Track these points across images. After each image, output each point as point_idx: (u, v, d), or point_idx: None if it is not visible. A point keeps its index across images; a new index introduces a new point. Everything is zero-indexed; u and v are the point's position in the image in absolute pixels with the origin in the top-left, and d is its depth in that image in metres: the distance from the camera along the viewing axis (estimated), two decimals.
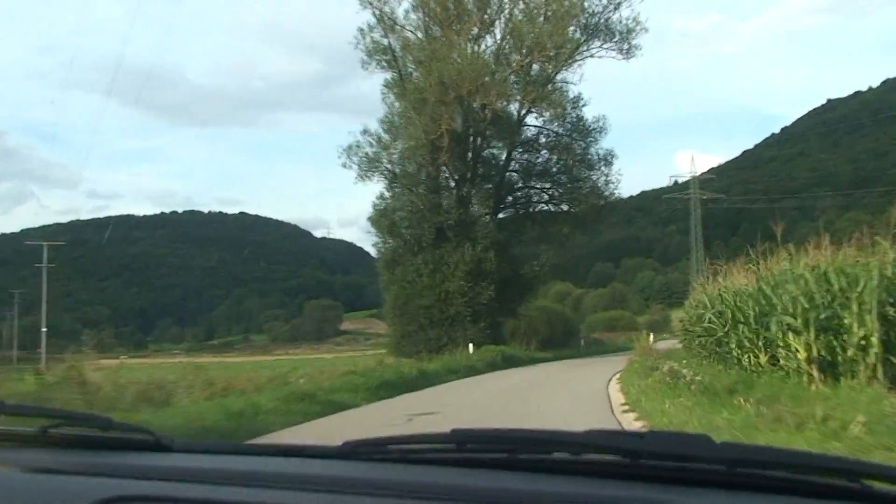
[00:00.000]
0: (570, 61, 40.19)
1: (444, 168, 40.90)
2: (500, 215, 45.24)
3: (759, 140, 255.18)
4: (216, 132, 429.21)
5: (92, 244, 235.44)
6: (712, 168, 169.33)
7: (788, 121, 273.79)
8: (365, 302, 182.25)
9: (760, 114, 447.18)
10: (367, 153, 40.28)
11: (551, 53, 38.06)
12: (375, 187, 49.22)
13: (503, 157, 44.13)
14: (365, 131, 40.37)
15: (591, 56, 40.90)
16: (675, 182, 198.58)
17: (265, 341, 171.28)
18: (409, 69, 39.91)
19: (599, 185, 44.41)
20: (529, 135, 44.51)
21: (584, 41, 40.19)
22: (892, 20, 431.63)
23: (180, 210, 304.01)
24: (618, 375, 23.80)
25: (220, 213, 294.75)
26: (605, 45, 40.64)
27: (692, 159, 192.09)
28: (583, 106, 43.45)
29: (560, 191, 45.42)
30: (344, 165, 40.13)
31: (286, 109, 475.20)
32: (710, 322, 19.70)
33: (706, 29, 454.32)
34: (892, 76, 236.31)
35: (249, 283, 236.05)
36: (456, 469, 1.82)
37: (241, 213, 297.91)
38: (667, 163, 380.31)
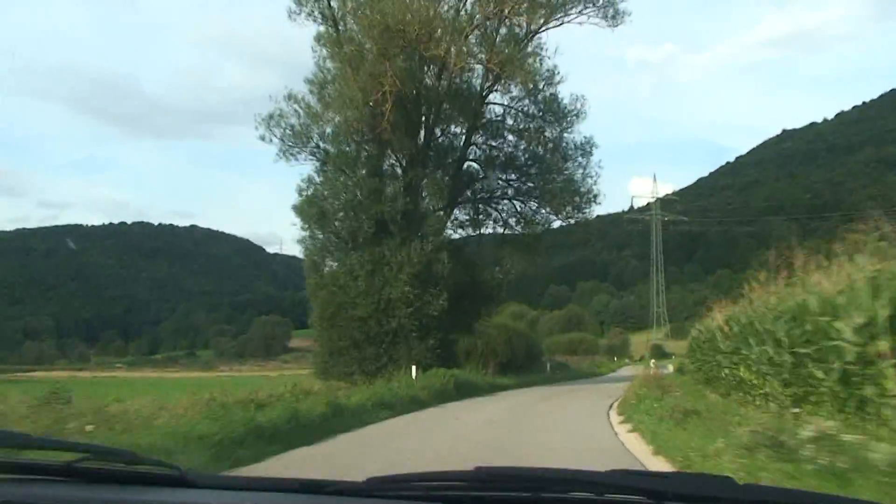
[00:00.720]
0: (546, 24, 32.01)
1: (388, 149, 32.30)
2: (457, 211, 36.75)
3: (713, 168, 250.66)
4: (172, 144, 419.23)
5: (38, 253, 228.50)
6: (667, 195, 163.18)
7: (743, 150, 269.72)
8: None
9: (715, 143, 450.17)
10: (292, 125, 31.50)
11: (523, 6, 29.82)
12: (303, 169, 39.11)
13: (461, 140, 35.53)
14: (290, 96, 31.49)
15: (570, 22, 32.77)
16: (632, 207, 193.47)
17: (211, 357, 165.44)
18: (348, 22, 31.17)
19: (576, 178, 36.07)
20: (494, 116, 36.06)
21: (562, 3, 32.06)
22: (845, 55, 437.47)
23: (130, 221, 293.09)
24: (616, 415, 18.70)
25: (171, 225, 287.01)
26: (586, 10, 32.57)
27: (654, 178, 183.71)
28: (558, 83, 35.15)
29: (529, 184, 36.92)
30: (262, 139, 31.33)
31: (242, 123, 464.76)
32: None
33: (662, 59, 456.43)
34: (846, 109, 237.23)
35: (198, 297, 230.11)
36: None
37: (192, 226, 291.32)
38: (621, 189, 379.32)
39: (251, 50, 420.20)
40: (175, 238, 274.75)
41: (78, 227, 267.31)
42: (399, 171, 33.31)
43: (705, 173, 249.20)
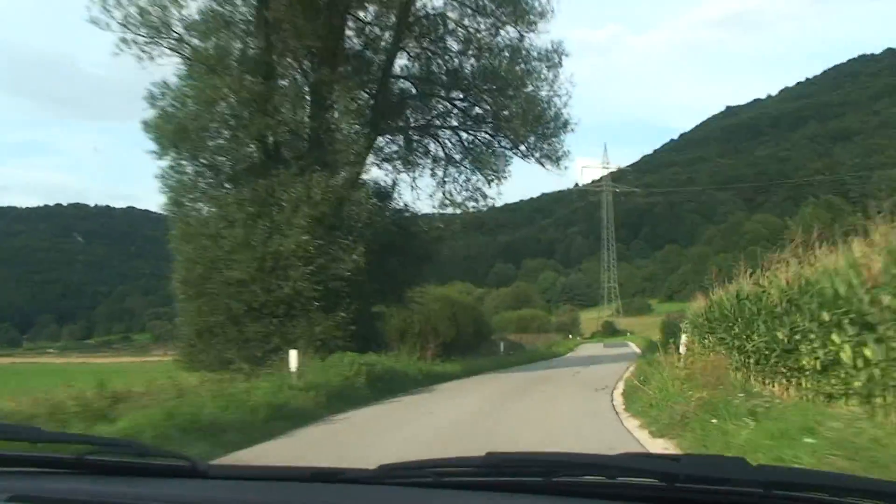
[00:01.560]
0: None
1: (281, 42, 22.10)
2: (383, 143, 26.84)
3: (658, 146, 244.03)
4: (110, 126, 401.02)
5: None
6: (619, 168, 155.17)
7: (687, 127, 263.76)
8: None
9: (659, 121, 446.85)
10: (140, 6, 21.02)
11: None
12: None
13: (388, 40, 25.43)
14: None
15: None
16: (576, 185, 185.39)
17: (147, 341, 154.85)
18: None
19: (541, 97, 26.33)
20: (431, 9, 25.98)
21: None
22: (785, 34, 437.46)
23: (65, 203, 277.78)
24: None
25: (108, 206, 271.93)
26: None
27: (605, 148, 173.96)
28: None
29: (481, 108, 27.14)
30: (93, 21, 20.86)
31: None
32: None
33: (605, 39, 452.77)
34: (790, 85, 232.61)
35: (136, 280, 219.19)
36: (492, 493, 1.77)
37: (130, 208, 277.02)
38: (566, 169, 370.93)
39: None
40: (112, 220, 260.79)
41: (12, 209, 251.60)
42: (297, 75, 23.19)
43: (650, 151, 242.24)
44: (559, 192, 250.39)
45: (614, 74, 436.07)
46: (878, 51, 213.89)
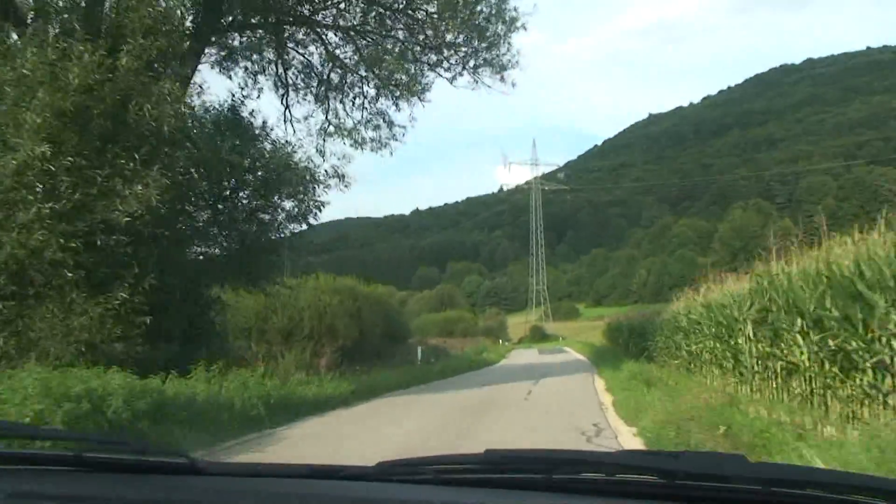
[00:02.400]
0: None
1: None
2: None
3: (582, 152, 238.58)
4: None
5: None
6: (541, 174, 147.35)
7: (611, 133, 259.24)
8: None
9: (582, 128, 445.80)
10: None
11: None
12: None
13: None
14: None
15: None
16: (500, 189, 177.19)
17: None
18: None
19: None
20: None
21: None
22: (707, 45, 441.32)
23: None
24: None
25: None
26: None
27: (533, 143, 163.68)
28: None
29: None
30: None
31: None
32: None
33: (528, 46, 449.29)
34: (712, 93, 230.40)
35: None
36: (490, 490, 1.72)
37: None
38: (489, 176, 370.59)
39: None
40: None
41: None
42: None
43: (574, 157, 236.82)
44: (485, 195, 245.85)
45: (538, 81, 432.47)
46: (798, 61, 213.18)
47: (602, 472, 1.68)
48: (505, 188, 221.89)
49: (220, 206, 14.60)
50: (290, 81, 17.93)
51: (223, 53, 17.06)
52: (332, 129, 18.04)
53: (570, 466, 1.73)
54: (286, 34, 17.27)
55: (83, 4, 12.40)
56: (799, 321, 9.48)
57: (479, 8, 16.87)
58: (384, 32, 17.53)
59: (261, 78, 17.70)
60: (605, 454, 1.70)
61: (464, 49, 17.45)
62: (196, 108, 14.28)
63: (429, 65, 17.73)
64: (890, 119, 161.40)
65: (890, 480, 1.60)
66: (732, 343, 12.69)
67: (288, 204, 15.71)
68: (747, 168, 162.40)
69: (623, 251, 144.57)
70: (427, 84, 17.95)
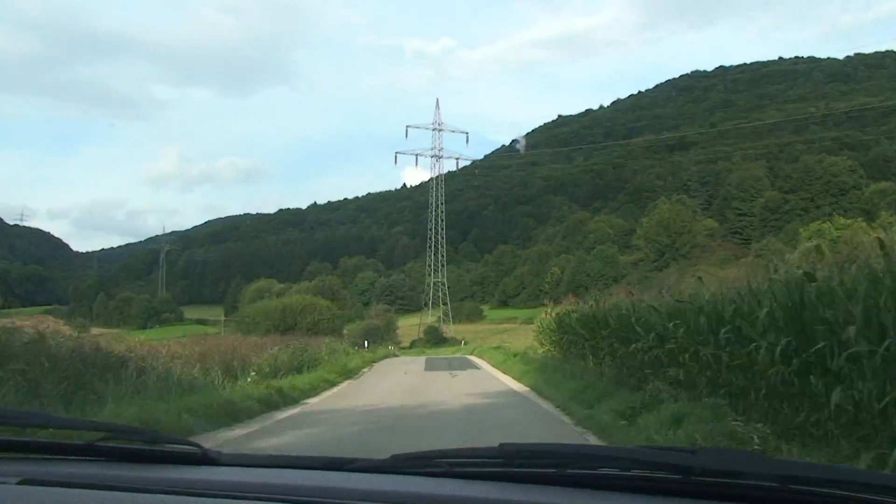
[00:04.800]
0: None
1: None
2: None
3: (489, 151, 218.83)
4: None
5: None
6: (442, 174, 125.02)
7: (519, 134, 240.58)
8: (47, 296, 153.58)
9: (491, 131, 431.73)
10: None
11: None
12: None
13: None
14: None
15: None
16: (404, 185, 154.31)
17: None
18: None
19: None
20: None
21: None
22: (614, 59, 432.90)
23: None
24: None
25: None
26: None
27: (437, 104, 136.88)
28: None
29: None
30: None
31: None
32: None
33: (439, 51, 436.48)
34: (622, 97, 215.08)
35: None
36: (504, 483, 1.65)
37: None
38: (395, 175, 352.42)
39: (8, 9, 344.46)
40: None
41: None
42: None
43: (480, 156, 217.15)
44: (387, 191, 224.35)
45: (447, 85, 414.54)
46: (710, 67, 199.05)
47: (616, 467, 1.61)
48: (409, 185, 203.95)
49: None
50: None
51: None
52: None
53: (584, 461, 1.66)
54: None
55: None
56: None
57: None
58: None
59: None
60: (620, 448, 1.68)
61: None
62: None
63: None
64: (809, 124, 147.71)
65: None
66: None
67: None
68: (663, 167, 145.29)
69: (536, 246, 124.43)
70: None
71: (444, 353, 48.75)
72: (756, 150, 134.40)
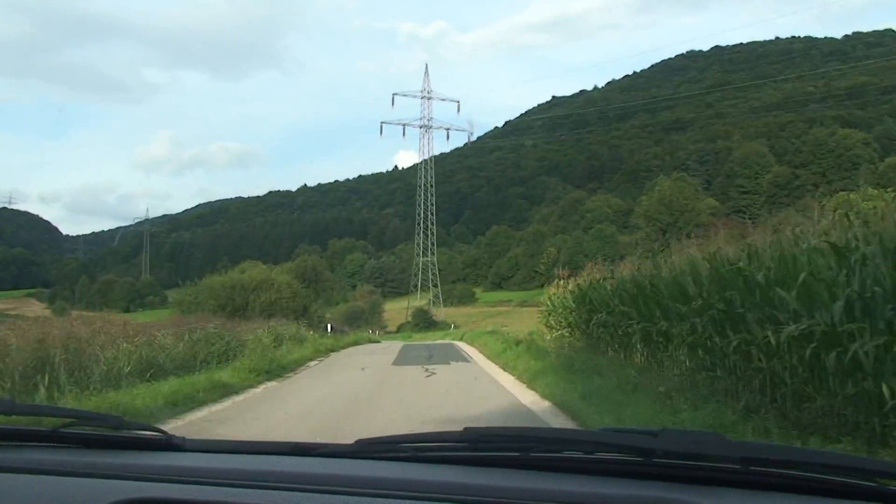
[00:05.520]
0: None
1: None
2: None
3: (482, 133, 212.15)
4: None
5: None
6: (432, 146, 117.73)
7: (512, 115, 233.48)
8: (33, 279, 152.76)
9: (484, 113, 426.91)
10: None
11: None
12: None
13: None
14: None
15: None
16: (394, 167, 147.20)
17: None
18: None
19: None
20: None
21: None
22: (608, 41, 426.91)
23: None
24: None
25: None
26: None
27: (426, 70, 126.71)
28: None
29: None
30: None
31: None
32: None
33: (432, 35, 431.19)
34: (616, 77, 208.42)
35: None
36: (468, 468, 1.63)
37: None
38: (386, 158, 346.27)
39: None
40: None
41: None
42: None
43: (474, 138, 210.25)
44: (379, 173, 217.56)
45: (440, 67, 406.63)
46: (705, 48, 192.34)
47: (580, 450, 1.60)
48: (401, 167, 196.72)
49: None
50: None
51: None
52: None
53: (548, 444, 1.66)
54: None
55: None
56: None
57: None
58: None
59: None
60: (583, 432, 1.60)
61: None
62: None
63: None
64: (810, 102, 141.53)
65: (868, 460, 1.48)
66: None
67: None
68: (661, 147, 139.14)
69: (531, 227, 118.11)
70: None
71: (432, 338, 42.71)
72: (757, 129, 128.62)
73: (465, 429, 1.68)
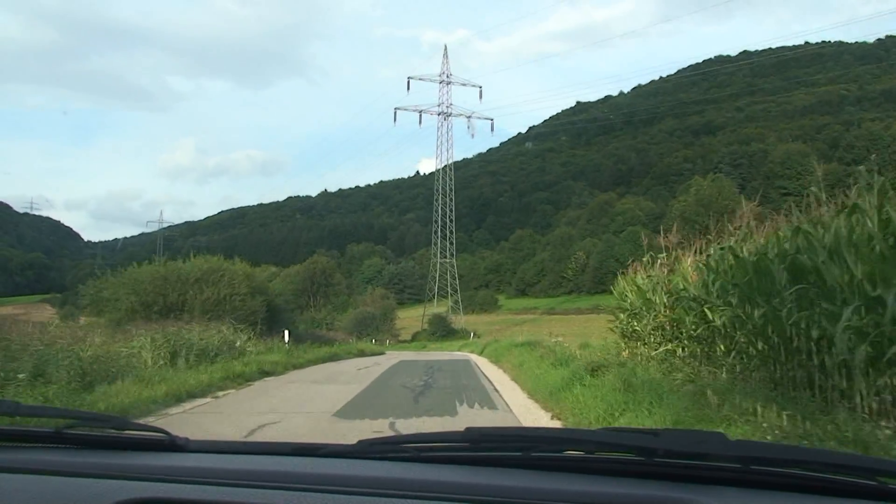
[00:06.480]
0: None
1: None
2: None
3: (505, 139, 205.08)
4: None
5: None
6: (456, 161, 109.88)
7: (537, 121, 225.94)
8: (49, 285, 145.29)
9: (507, 122, 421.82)
10: None
11: None
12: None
13: None
14: None
15: None
16: (416, 173, 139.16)
17: None
18: None
19: None
20: None
21: None
22: (632, 49, 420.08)
23: None
24: None
25: None
26: None
27: (444, 52, 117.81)
28: None
29: None
30: None
31: (11, 80, 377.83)
32: None
33: (455, 42, 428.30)
34: (643, 83, 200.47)
35: None
36: (470, 467, 1.62)
37: None
38: (408, 166, 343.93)
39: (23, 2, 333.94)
40: None
41: None
42: None
43: (497, 144, 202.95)
44: (400, 178, 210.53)
45: (464, 75, 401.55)
46: (733, 52, 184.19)
47: (581, 449, 1.58)
48: (422, 173, 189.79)
49: None
50: None
51: None
52: None
53: (549, 444, 1.63)
54: None
55: None
56: None
57: None
58: None
59: None
60: (585, 431, 1.59)
61: None
62: None
63: None
64: (845, 105, 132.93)
65: (869, 458, 1.49)
66: None
67: None
68: (692, 150, 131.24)
69: (559, 229, 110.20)
70: None
71: (449, 348, 35.21)
72: (791, 131, 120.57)
73: (467, 429, 1.63)
